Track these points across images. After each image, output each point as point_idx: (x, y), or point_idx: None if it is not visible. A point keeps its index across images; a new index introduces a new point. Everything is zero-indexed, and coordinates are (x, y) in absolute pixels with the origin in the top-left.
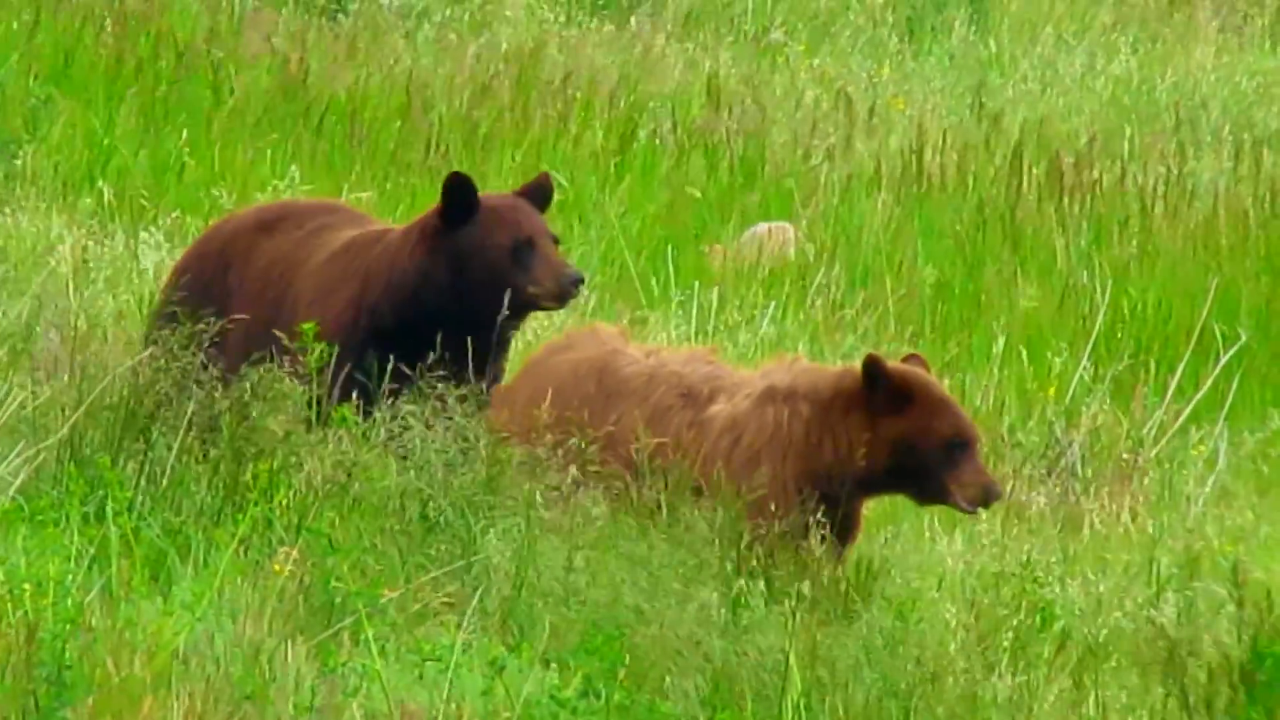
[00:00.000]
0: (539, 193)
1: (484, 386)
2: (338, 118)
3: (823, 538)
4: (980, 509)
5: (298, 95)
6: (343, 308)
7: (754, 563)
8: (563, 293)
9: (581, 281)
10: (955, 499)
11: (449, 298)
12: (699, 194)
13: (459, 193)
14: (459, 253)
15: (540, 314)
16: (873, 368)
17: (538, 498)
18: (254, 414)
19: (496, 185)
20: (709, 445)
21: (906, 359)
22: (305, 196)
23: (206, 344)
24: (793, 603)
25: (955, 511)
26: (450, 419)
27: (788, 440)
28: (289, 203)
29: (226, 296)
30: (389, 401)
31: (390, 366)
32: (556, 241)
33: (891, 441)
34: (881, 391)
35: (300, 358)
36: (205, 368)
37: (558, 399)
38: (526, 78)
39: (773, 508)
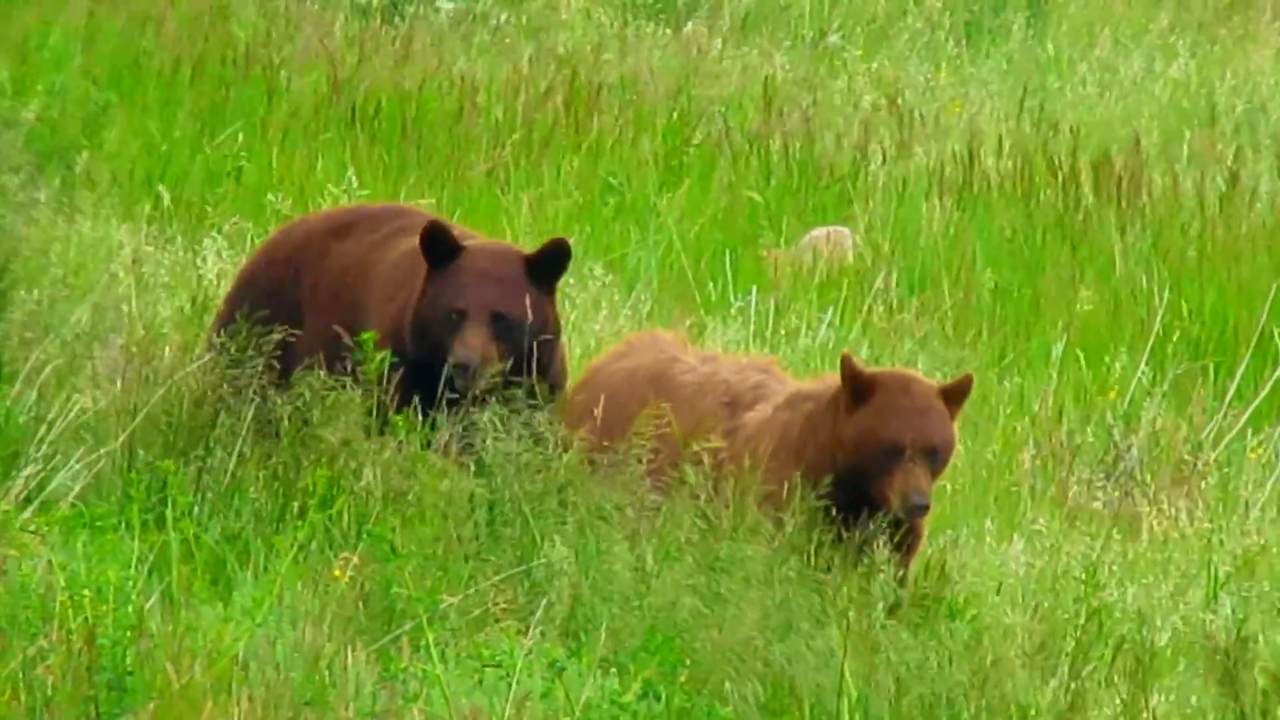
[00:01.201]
0: (549, 258)
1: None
2: (393, 122)
3: (881, 543)
4: (906, 516)
5: (353, 99)
6: (395, 314)
7: (813, 567)
8: (458, 368)
9: (462, 366)
10: (889, 505)
11: (422, 338)
12: (757, 197)
13: (433, 240)
14: (429, 298)
15: (602, 320)
16: (843, 367)
17: (601, 502)
18: (314, 420)
19: (553, 190)
20: (736, 451)
21: (959, 380)
22: (362, 201)
23: (273, 350)
24: (850, 608)
25: (1015, 514)
26: (526, 423)
27: (789, 443)
28: (360, 207)
29: (297, 302)
30: (453, 411)
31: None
32: (503, 318)
33: (847, 440)
34: (852, 391)
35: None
36: (266, 373)
37: (615, 405)
38: (583, 82)
39: (775, 509)
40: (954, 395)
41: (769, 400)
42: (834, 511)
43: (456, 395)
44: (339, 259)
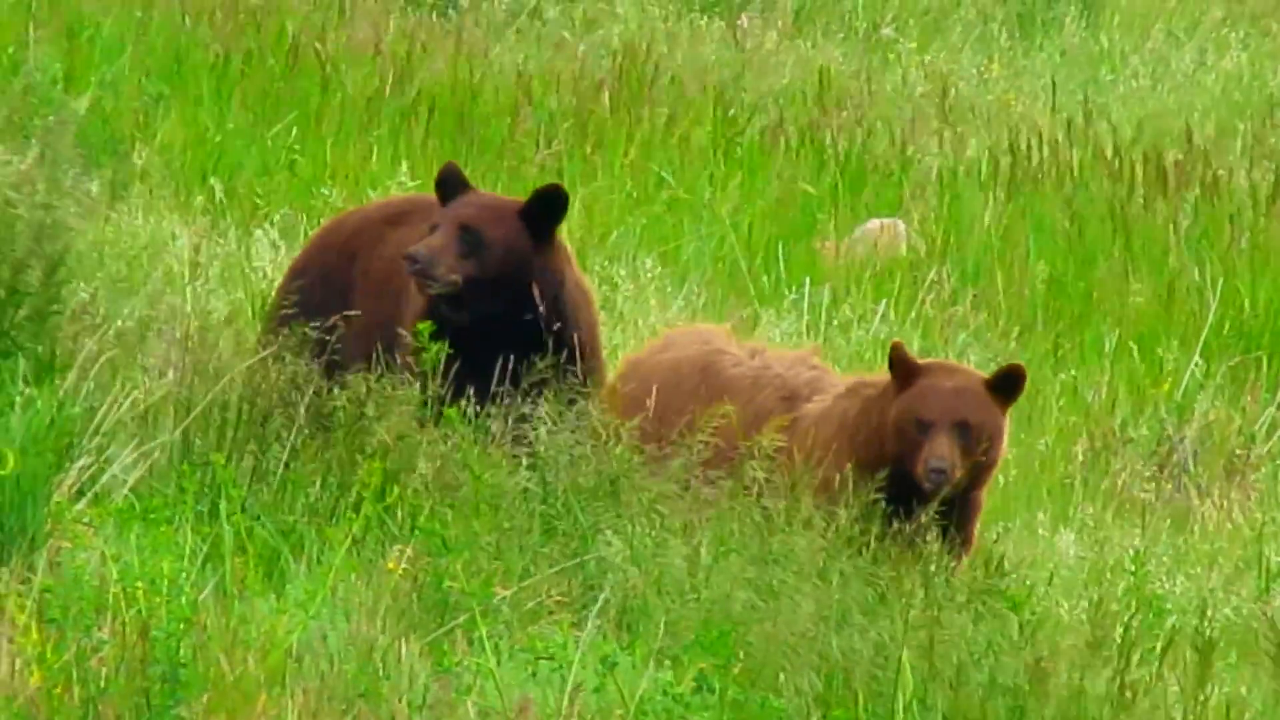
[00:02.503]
0: (540, 203)
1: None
2: (447, 115)
3: (936, 534)
4: (931, 486)
5: (406, 91)
6: (421, 304)
7: (869, 560)
8: (407, 258)
9: (409, 258)
10: (918, 478)
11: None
12: (811, 189)
13: (445, 181)
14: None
15: (654, 312)
16: (893, 355)
17: (655, 495)
18: (368, 413)
19: (607, 182)
20: (798, 444)
21: (1005, 370)
22: (419, 193)
23: (327, 340)
24: (905, 599)
25: (1067, 505)
26: (578, 415)
27: (845, 430)
28: (415, 196)
29: (350, 288)
30: (505, 402)
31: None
32: (468, 229)
33: (889, 425)
34: (900, 377)
35: (412, 355)
36: (320, 365)
37: (661, 398)
38: (636, 75)
39: (842, 498)
40: (1001, 384)
41: (826, 393)
42: (886, 504)
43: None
44: (392, 246)
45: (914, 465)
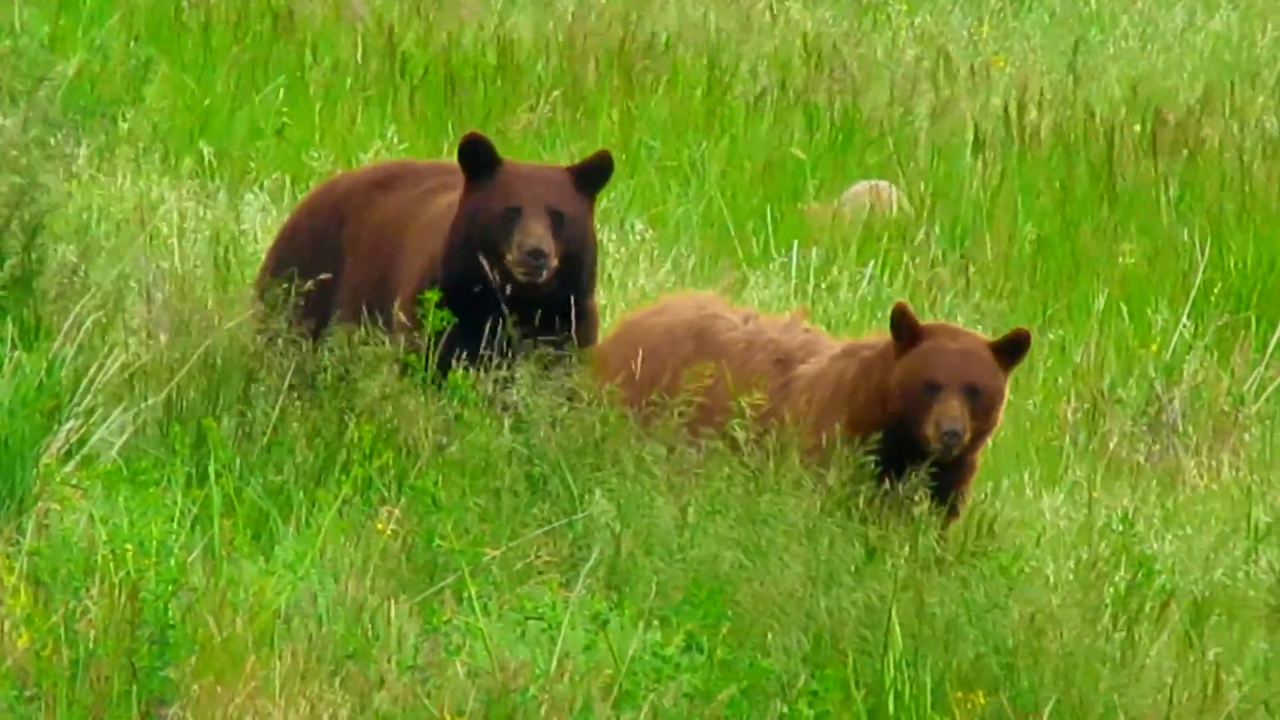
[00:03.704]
0: (594, 169)
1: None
2: (435, 78)
3: (923, 495)
4: (942, 449)
5: (393, 54)
6: (420, 269)
7: (857, 520)
8: (522, 261)
9: (532, 253)
10: (926, 440)
11: (463, 260)
12: (801, 155)
13: (473, 151)
14: (471, 209)
15: (642, 275)
16: (897, 315)
17: (644, 456)
18: (355, 374)
19: (595, 145)
20: (790, 405)
21: (1011, 335)
22: (404, 157)
23: (314, 302)
24: (896, 560)
25: (1056, 466)
26: (564, 376)
27: (842, 392)
28: (406, 161)
29: (339, 251)
30: (493, 362)
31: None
32: (558, 214)
33: (893, 386)
34: (904, 339)
35: (403, 318)
36: (307, 325)
37: (653, 359)
38: (624, 36)
39: (833, 459)
40: (1006, 349)
41: (821, 355)
42: (877, 464)
43: (513, 322)
44: (381, 210)
45: (920, 427)
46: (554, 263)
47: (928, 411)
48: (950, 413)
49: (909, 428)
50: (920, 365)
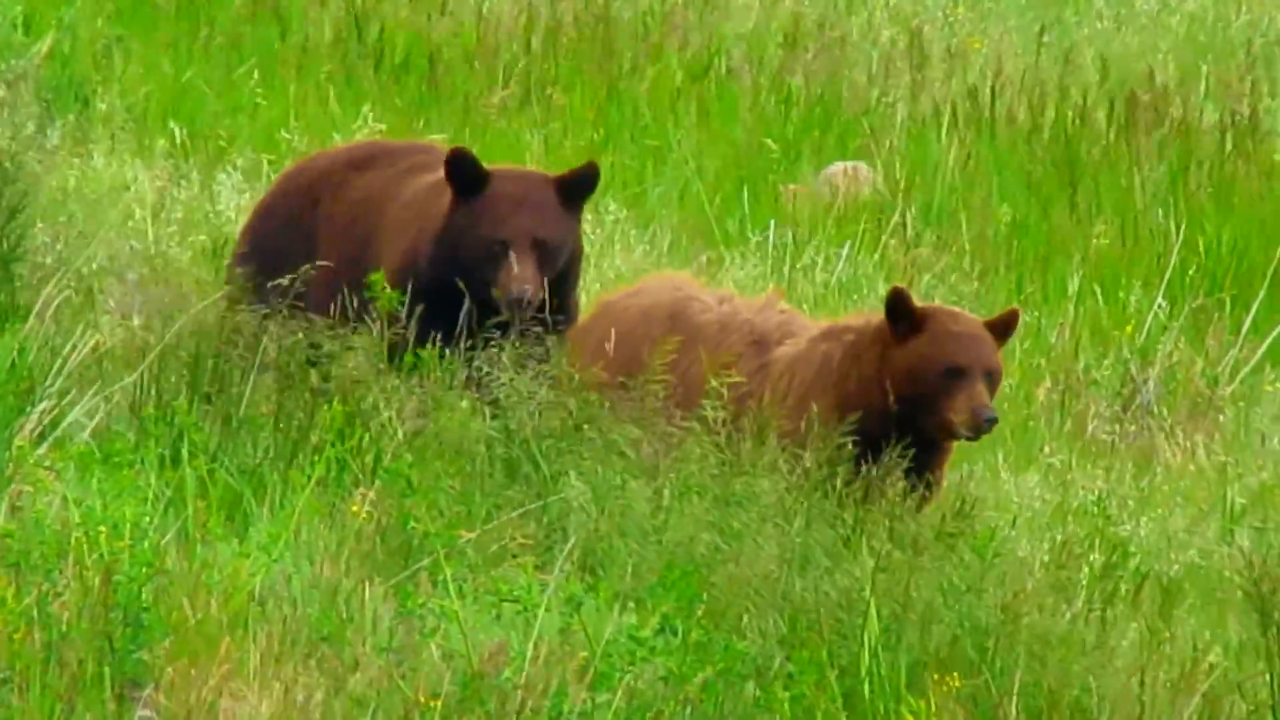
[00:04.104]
0: (581, 181)
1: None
2: (409, 58)
3: (899, 477)
4: (974, 435)
5: (367, 35)
6: (402, 253)
7: (833, 502)
8: (508, 304)
9: (517, 302)
10: (952, 426)
11: (445, 274)
12: (772, 145)
13: (459, 168)
14: (457, 228)
15: (619, 255)
16: (895, 299)
17: (617, 438)
18: (330, 354)
19: (571, 127)
20: (770, 387)
21: (1005, 314)
22: (379, 137)
23: (288, 284)
24: (871, 542)
25: (1031, 448)
26: (541, 359)
27: (829, 374)
28: (381, 142)
29: (313, 232)
30: (470, 346)
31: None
32: (545, 245)
33: (901, 370)
34: (902, 323)
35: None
36: (283, 309)
37: (629, 341)
38: (601, 17)
39: (811, 441)
40: (999, 328)
41: (796, 337)
42: (853, 446)
43: (497, 323)
44: (356, 191)
45: (942, 412)
46: (539, 297)
47: (949, 398)
48: (984, 399)
49: (927, 412)
50: (936, 349)
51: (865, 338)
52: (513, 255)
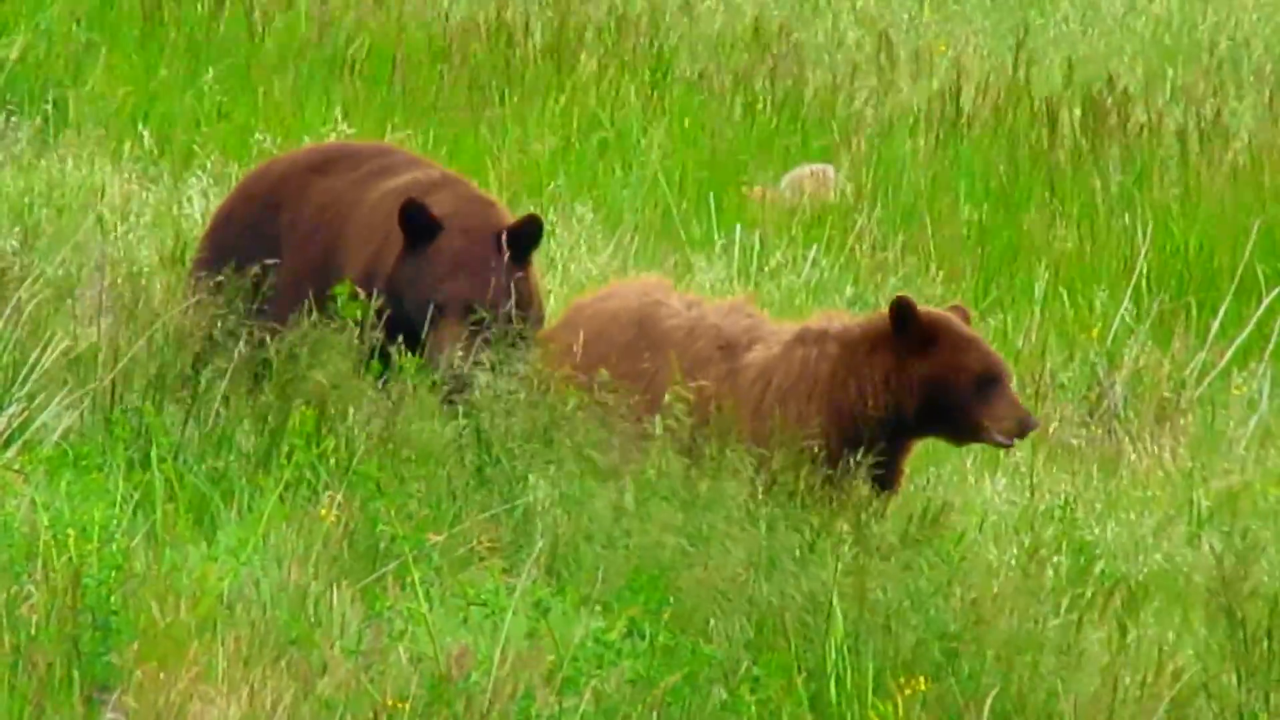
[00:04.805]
0: (523, 235)
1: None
2: (378, 61)
3: (866, 480)
4: (1016, 440)
5: (335, 37)
6: (371, 259)
7: (798, 506)
8: (436, 367)
9: (448, 376)
10: (990, 434)
11: (394, 305)
12: (731, 137)
13: (410, 219)
14: (404, 279)
15: (585, 258)
16: (902, 309)
17: (585, 442)
18: (302, 360)
19: (536, 132)
20: (742, 392)
21: (950, 309)
22: (345, 141)
23: (252, 288)
24: (837, 545)
25: (997, 451)
26: (514, 366)
27: (813, 380)
28: (342, 144)
29: (276, 237)
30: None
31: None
32: (477, 310)
33: (922, 382)
34: (911, 333)
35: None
36: (251, 312)
37: (598, 345)
38: (567, 20)
39: (801, 448)
40: None
41: (766, 342)
42: (818, 450)
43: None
44: (319, 195)
45: (979, 419)
46: (462, 369)
47: (988, 404)
48: (1022, 406)
49: (955, 420)
50: (963, 358)
51: (861, 344)
52: (443, 322)
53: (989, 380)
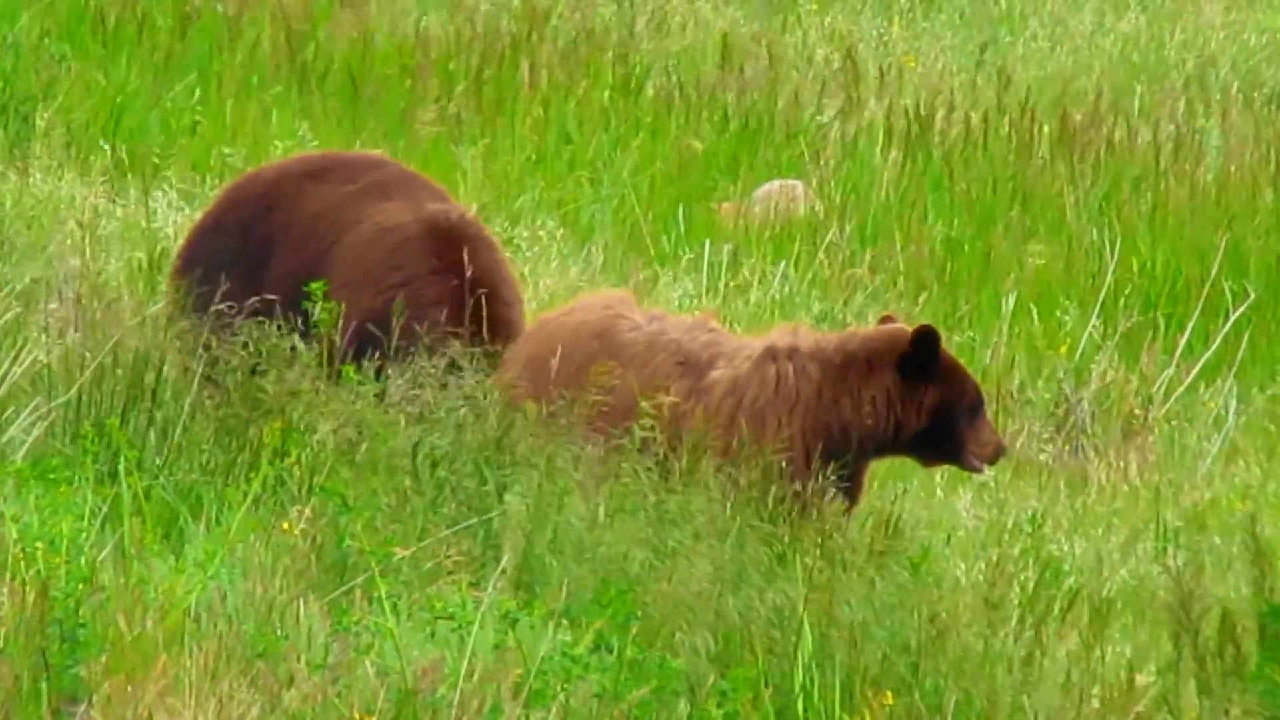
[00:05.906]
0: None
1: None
2: (346, 76)
3: (834, 494)
4: (988, 466)
5: (304, 52)
6: (364, 312)
7: (765, 520)
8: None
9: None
10: (969, 459)
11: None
12: (699, 145)
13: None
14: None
15: (554, 273)
16: (929, 338)
17: (551, 455)
18: (264, 371)
19: (506, 145)
20: (712, 409)
21: (882, 320)
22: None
23: (238, 292)
24: (805, 559)
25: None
26: (462, 379)
27: (794, 396)
28: (335, 153)
29: (269, 237)
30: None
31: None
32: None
33: (933, 406)
34: (931, 361)
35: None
36: (240, 320)
37: (560, 359)
38: (536, 35)
39: (786, 464)
40: None
41: (728, 358)
42: (786, 465)
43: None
44: (314, 201)
45: (964, 444)
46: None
47: (975, 430)
48: (997, 434)
49: (944, 443)
50: (960, 385)
51: (856, 363)
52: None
53: (976, 407)
